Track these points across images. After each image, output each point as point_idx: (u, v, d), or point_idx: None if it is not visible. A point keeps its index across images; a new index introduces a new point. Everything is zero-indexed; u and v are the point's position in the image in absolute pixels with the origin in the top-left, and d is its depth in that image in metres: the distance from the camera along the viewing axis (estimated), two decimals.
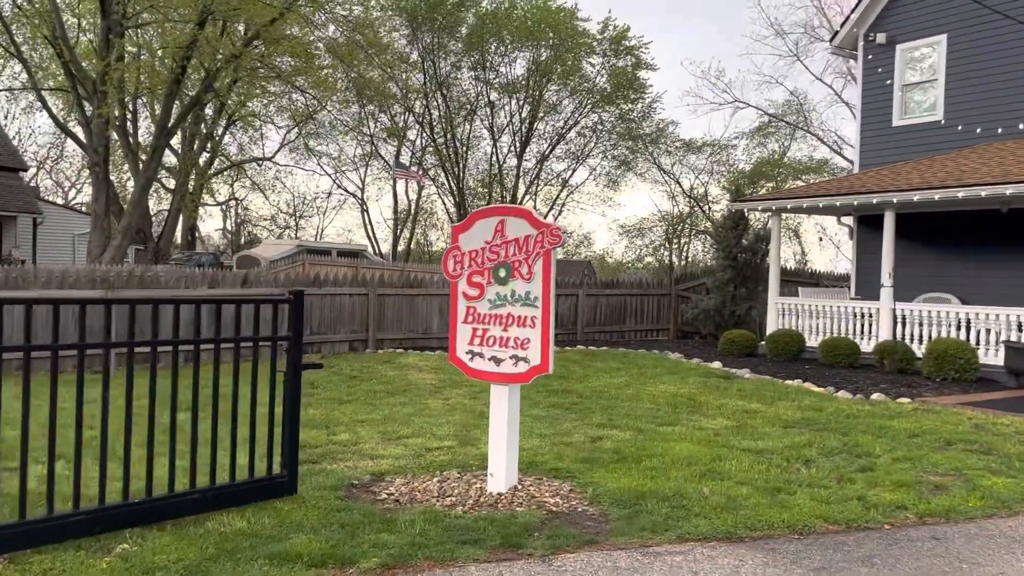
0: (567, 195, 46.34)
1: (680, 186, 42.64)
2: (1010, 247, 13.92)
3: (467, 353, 6.32)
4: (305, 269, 28.92)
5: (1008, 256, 14.02)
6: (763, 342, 14.85)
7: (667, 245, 43.64)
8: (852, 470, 7.06)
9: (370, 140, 44.15)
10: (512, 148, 42.86)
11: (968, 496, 6.29)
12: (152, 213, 48.22)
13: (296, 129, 43.00)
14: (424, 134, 42.93)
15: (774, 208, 15.03)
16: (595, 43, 39.77)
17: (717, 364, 13.74)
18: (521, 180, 43.26)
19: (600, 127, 42.45)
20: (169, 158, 40.65)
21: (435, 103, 41.47)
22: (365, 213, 48.35)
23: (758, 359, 14.52)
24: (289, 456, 5.76)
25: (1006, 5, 13.87)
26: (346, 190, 49.12)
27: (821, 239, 39.29)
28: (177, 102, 27.32)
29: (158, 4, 24.68)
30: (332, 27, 27.39)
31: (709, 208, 40.48)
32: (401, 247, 45.62)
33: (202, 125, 36.80)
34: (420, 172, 39.45)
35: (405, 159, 43.29)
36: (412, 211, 46.54)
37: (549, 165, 43.99)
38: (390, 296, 14.75)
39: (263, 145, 52.84)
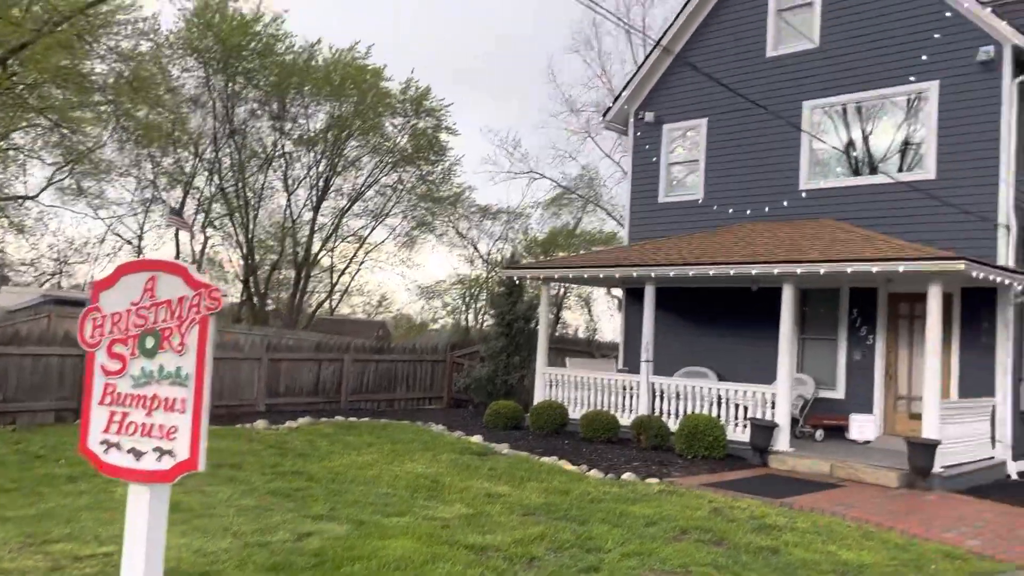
0: (365, 253, 45.10)
1: (477, 250, 42.77)
2: (761, 324, 14.41)
3: (102, 443, 5.02)
4: (51, 322, 25.61)
5: (759, 333, 14.49)
6: (528, 413, 14.35)
7: (463, 308, 43.41)
8: (576, 570, 6.38)
9: (151, 184, 40.83)
10: (308, 202, 41.18)
11: None
12: None
13: (68, 167, 38.98)
14: (213, 182, 40.30)
15: (542, 277, 14.78)
16: (397, 103, 39.42)
17: (478, 438, 12.99)
18: (317, 235, 41.52)
19: (400, 186, 41.87)
20: None
21: (228, 150, 39.13)
22: None
23: (522, 432, 13.96)
24: None
25: (756, 95, 14.65)
26: (121, 236, 44.99)
27: (589, 309, 40.61)
28: None
29: None
30: (96, 61, 24.92)
31: None
32: None
33: None
34: (192, 221, 36.81)
35: (191, 207, 40.37)
36: (197, 262, 43.31)
37: (347, 221, 42.67)
38: None
39: (26, 182, 47.56)
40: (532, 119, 61.14)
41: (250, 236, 40.35)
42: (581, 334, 39.96)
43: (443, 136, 40.44)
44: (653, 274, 13.00)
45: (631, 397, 13.79)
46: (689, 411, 12.89)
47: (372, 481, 9.58)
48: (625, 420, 13.44)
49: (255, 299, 41.05)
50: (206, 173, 40.31)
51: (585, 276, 13.90)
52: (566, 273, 14.16)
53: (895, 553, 7.45)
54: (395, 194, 42.26)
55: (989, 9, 12.80)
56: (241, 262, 41.13)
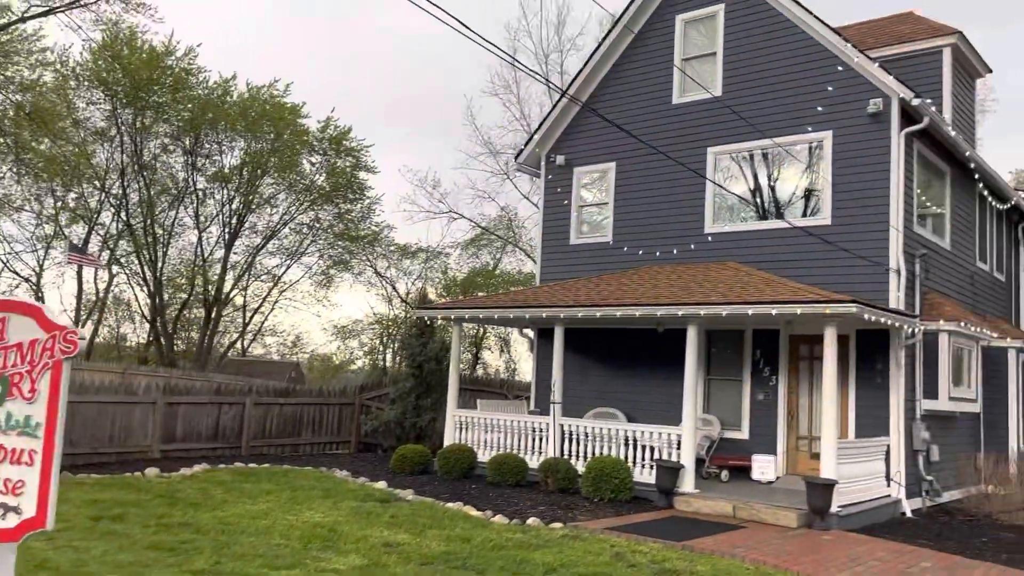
0: (280, 293, 44.06)
1: (396, 290, 42.31)
2: (669, 365, 14.56)
3: None
4: None
5: (668, 374, 14.63)
6: (436, 458, 14.06)
7: (381, 349, 42.74)
8: None
9: (53, 219, 39.09)
10: (221, 239, 40.07)
11: None
12: None
13: None
14: (120, 218, 38.84)
15: (452, 317, 14.61)
16: (315, 141, 38.95)
17: (382, 484, 12.63)
18: (229, 274, 40.37)
19: (317, 225, 41.19)
20: None
21: (136, 185, 37.83)
22: (40, 301, 42.24)
23: (429, 477, 13.65)
24: None
25: (663, 141, 14.98)
26: (18, 273, 42.80)
27: (508, 349, 40.53)
28: None
29: None
30: None
31: None
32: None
33: None
34: (96, 257, 35.36)
35: (95, 244, 38.78)
36: (100, 301, 41.51)
37: (261, 260, 41.65)
38: None
39: None
40: (452, 159, 61.44)
41: (159, 274, 38.96)
42: (502, 374, 39.74)
43: (362, 175, 40.12)
44: (562, 315, 13.01)
45: (541, 439, 13.66)
46: (599, 453, 12.83)
47: (265, 531, 9.15)
48: (534, 463, 13.29)
49: (163, 339, 39.49)
50: (112, 209, 38.89)
51: (495, 316, 13.82)
52: (476, 313, 14.05)
53: None
54: (312, 232, 41.54)
55: (878, 64, 13.46)
56: (148, 301, 39.60)
